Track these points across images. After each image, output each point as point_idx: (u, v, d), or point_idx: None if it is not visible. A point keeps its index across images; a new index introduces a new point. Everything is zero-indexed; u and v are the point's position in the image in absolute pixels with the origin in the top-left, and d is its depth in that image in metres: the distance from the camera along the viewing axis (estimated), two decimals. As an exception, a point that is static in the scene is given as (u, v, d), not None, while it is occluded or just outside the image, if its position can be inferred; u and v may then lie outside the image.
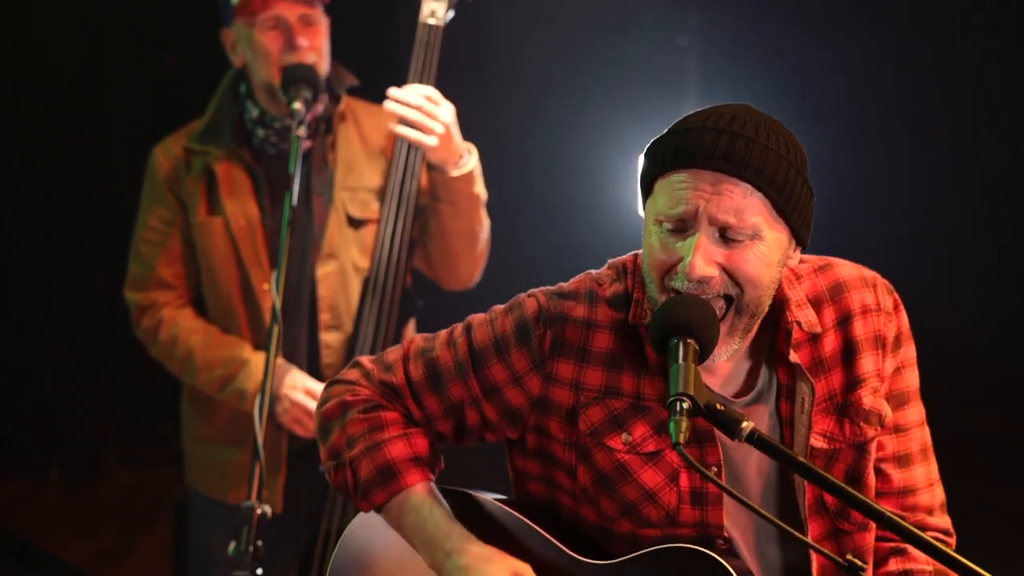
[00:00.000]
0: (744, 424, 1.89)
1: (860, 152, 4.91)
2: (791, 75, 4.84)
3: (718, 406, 1.91)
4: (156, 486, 5.75)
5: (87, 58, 5.71)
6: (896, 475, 2.22)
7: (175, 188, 3.53)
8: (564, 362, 2.16)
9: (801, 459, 1.94)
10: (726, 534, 2.13)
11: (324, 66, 3.44)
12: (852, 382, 2.16)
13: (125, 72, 5.80)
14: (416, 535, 2.18)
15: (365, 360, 2.31)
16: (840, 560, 1.85)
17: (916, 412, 2.24)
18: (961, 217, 4.97)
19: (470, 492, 2.28)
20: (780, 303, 2.13)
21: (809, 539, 2.11)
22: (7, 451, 5.93)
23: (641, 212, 2.13)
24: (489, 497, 2.27)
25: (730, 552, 2.13)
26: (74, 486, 5.90)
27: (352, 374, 2.29)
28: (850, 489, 1.90)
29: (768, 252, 2.02)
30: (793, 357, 2.13)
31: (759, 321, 2.09)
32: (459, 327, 2.27)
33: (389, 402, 2.24)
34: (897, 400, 2.21)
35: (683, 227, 2.02)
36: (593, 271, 2.24)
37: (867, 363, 2.16)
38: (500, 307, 2.25)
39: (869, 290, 2.20)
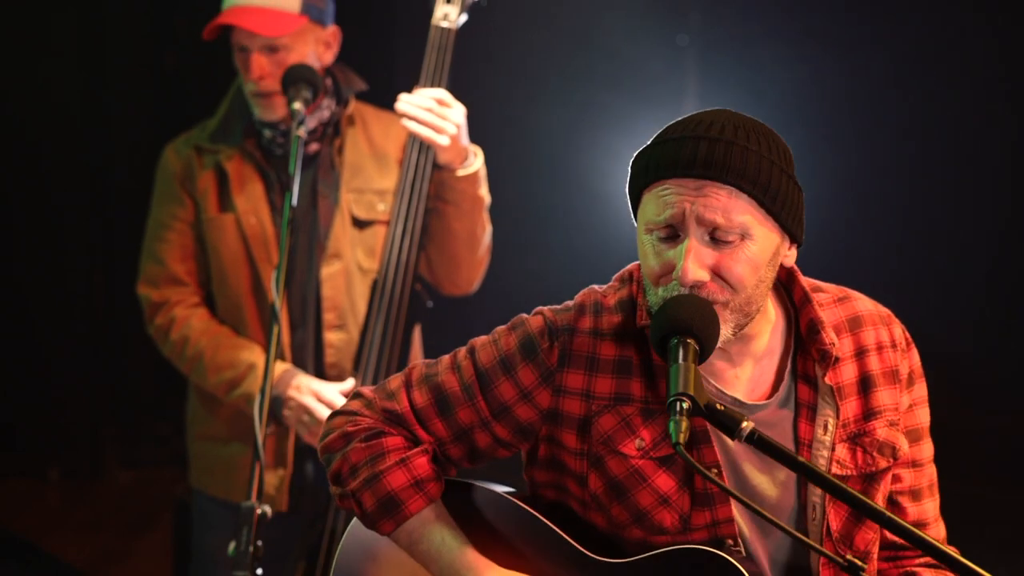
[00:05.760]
0: (744, 424, 1.90)
1: (861, 153, 4.91)
2: (792, 75, 4.84)
3: (718, 406, 1.91)
4: (156, 486, 5.76)
5: (87, 58, 5.71)
6: (911, 508, 2.25)
7: (187, 185, 3.54)
8: (573, 373, 2.17)
9: (801, 459, 1.95)
10: (736, 530, 2.13)
11: (312, 67, 3.40)
12: (868, 413, 2.18)
13: (125, 72, 5.81)
14: (431, 564, 2.20)
15: (366, 390, 2.30)
16: (840, 560, 1.85)
17: (929, 448, 2.28)
18: (961, 218, 4.97)
19: (481, 485, 2.28)
20: (813, 323, 2.15)
21: (811, 539, 2.12)
22: (7, 451, 5.93)
23: (635, 222, 2.14)
24: (500, 490, 2.27)
25: (743, 555, 2.13)
26: (74, 486, 5.90)
27: (354, 404, 2.28)
28: (853, 491, 1.91)
29: (759, 252, 2.03)
30: (829, 379, 2.14)
31: (757, 319, 2.10)
32: (462, 351, 2.26)
33: (392, 428, 2.24)
34: (912, 436, 2.24)
35: (673, 234, 2.04)
36: (596, 285, 2.25)
37: (884, 396, 2.19)
38: (503, 327, 2.25)
39: (884, 327, 2.23)
